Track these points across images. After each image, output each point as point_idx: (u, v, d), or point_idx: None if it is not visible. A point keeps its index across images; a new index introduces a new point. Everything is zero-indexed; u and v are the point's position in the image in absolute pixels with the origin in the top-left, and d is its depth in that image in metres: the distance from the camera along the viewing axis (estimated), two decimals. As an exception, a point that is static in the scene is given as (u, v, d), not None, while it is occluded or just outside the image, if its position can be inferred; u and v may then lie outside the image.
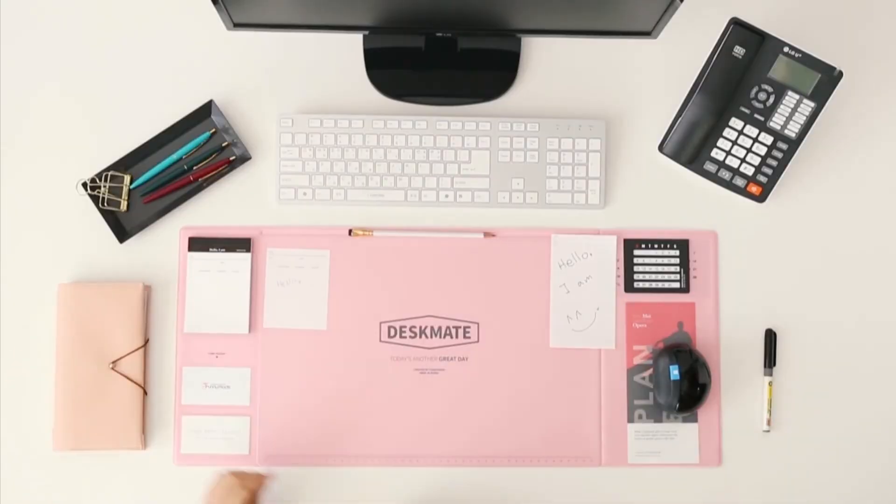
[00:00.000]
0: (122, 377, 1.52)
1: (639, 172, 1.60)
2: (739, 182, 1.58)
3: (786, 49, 1.55)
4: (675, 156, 1.58)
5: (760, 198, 1.58)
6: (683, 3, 1.41)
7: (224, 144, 1.58)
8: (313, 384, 1.55)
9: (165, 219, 1.57)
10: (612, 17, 1.49)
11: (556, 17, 1.51)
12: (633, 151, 1.61)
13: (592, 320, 1.57)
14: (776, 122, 1.56)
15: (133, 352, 1.53)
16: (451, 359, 1.56)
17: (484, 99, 1.60)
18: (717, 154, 1.57)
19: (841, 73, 1.55)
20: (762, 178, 1.57)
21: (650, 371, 1.57)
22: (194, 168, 1.57)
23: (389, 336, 1.56)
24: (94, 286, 1.54)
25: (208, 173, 1.57)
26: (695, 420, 1.56)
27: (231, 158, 1.58)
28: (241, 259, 1.56)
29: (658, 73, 1.61)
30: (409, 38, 1.59)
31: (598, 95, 1.61)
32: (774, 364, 1.57)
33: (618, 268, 1.58)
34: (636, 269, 1.58)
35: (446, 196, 1.57)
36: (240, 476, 1.42)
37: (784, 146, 1.56)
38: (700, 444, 1.56)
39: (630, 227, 1.59)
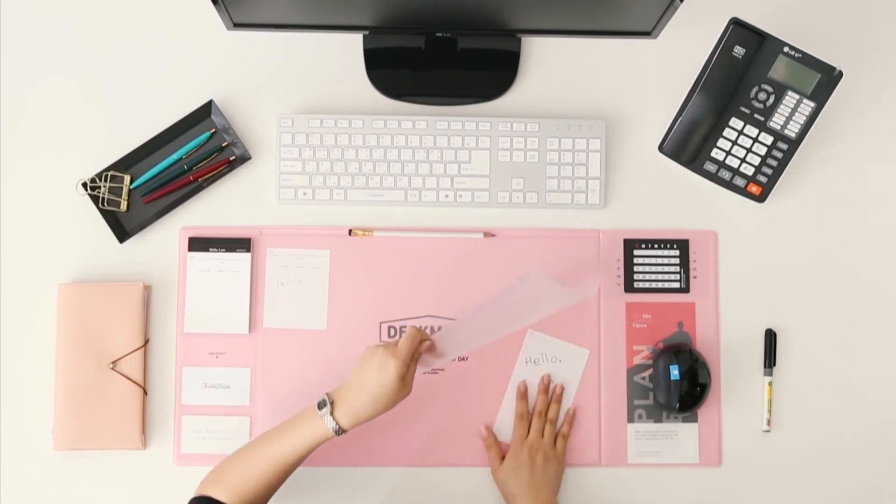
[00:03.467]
0: (122, 377, 1.52)
1: (639, 172, 1.60)
2: (739, 182, 1.58)
3: (786, 49, 1.55)
4: (675, 156, 1.58)
5: (760, 198, 1.58)
6: (683, 3, 1.41)
7: (224, 144, 1.58)
8: (313, 384, 1.55)
9: (165, 219, 1.57)
10: (612, 17, 1.49)
11: (555, 17, 1.51)
12: (633, 151, 1.61)
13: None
14: (776, 122, 1.56)
15: (133, 352, 1.53)
16: (451, 359, 1.56)
17: (484, 99, 1.60)
18: (717, 154, 1.57)
19: (841, 73, 1.55)
20: (762, 178, 1.57)
21: (650, 371, 1.57)
22: (194, 168, 1.57)
23: (389, 336, 1.56)
24: (94, 286, 1.54)
25: (208, 173, 1.57)
26: (695, 420, 1.56)
27: (231, 158, 1.58)
28: (241, 259, 1.56)
29: (658, 73, 1.61)
30: (409, 38, 1.59)
31: (598, 95, 1.61)
32: (774, 364, 1.57)
33: (618, 268, 1.58)
34: (636, 269, 1.58)
35: (446, 196, 1.57)
36: (390, 348, 1.38)
37: (784, 146, 1.56)
38: (700, 444, 1.56)
39: (630, 227, 1.59)
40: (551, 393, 1.55)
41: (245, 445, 1.42)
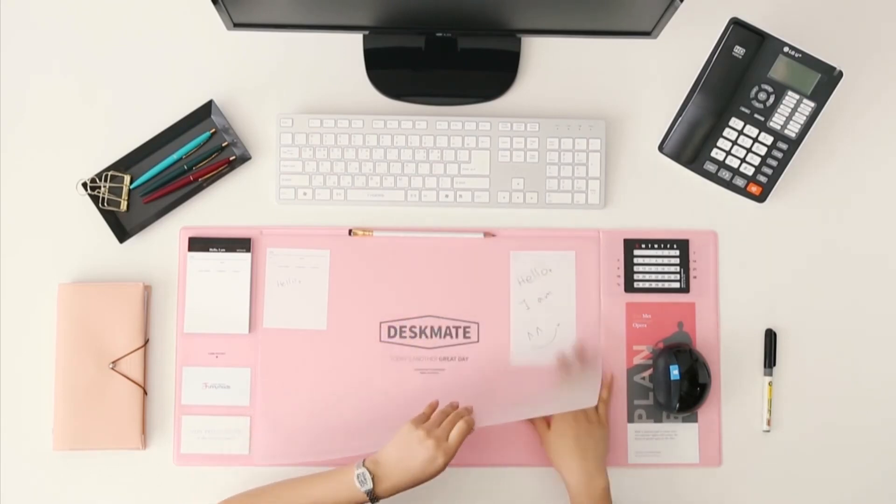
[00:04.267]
0: (122, 377, 1.52)
1: (639, 172, 1.60)
2: (739, 182, 1.58)
3: (786, 49, 1.55)
4: (675, 156, 1.58)
5: (760, 198, 1.58)
6: (683, 3, 1.41)
7: (224, 144, 1.58)
8: (313, 384, 1.55)
9: (165, 219, 1.57)
10: (612, 17, 1.49)
11: (556, 17, 1.51)
12: (633, 151, 1.61)
13: (553, 336, 1.57)
14: (776, 122, 1.56)
15: (133, 352, 1.53)
16: (451, 359, 1.56)
17: (484, 99, 1.60)
18: (717, 154, 1.57)
19: (841, 73, 1.55)
20: (762, 178, 1.57)
21: (650, 371, 1.57)
22: (194, 168, 1.57)
23: (389, 336, 1.56)
24: (94, 286, 1.54)
25: (208, 173, 1.57)
26: (695, 420, 1.56)
27: (231, 158, 1.58)
28: (241, 259, 1.56)
29: (658, 73, 1.61)
30: (409, 38, 1.59)
31: (598, 95, 1.61)
32: (774, 364, 1.57)
33: (617, 268, 1.58)
34: (636, 269, 1.58)
35: (446, 196, 1.57)
36: (441, 443, 1.41)
37: (784, 146, 1.56)
38: (700, 444, 1.56)
39: (630, 227, 1.59)
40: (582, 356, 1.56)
41: (271, 484, 1.44)
